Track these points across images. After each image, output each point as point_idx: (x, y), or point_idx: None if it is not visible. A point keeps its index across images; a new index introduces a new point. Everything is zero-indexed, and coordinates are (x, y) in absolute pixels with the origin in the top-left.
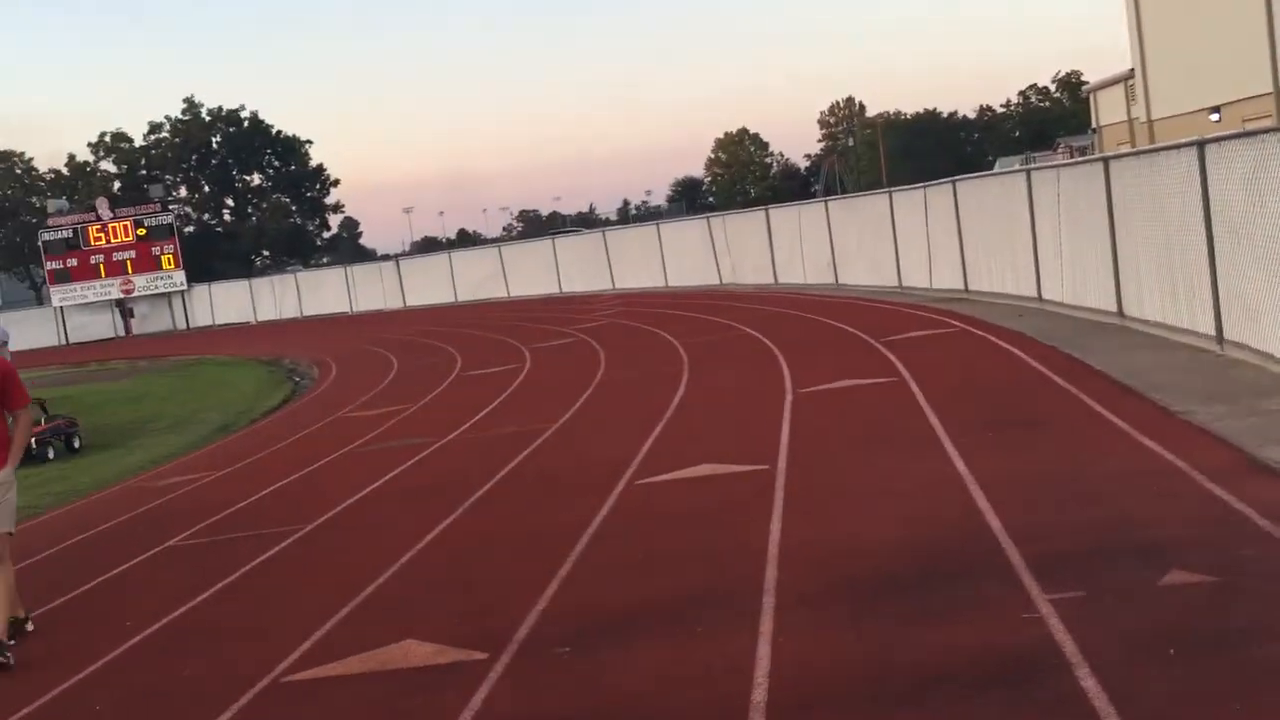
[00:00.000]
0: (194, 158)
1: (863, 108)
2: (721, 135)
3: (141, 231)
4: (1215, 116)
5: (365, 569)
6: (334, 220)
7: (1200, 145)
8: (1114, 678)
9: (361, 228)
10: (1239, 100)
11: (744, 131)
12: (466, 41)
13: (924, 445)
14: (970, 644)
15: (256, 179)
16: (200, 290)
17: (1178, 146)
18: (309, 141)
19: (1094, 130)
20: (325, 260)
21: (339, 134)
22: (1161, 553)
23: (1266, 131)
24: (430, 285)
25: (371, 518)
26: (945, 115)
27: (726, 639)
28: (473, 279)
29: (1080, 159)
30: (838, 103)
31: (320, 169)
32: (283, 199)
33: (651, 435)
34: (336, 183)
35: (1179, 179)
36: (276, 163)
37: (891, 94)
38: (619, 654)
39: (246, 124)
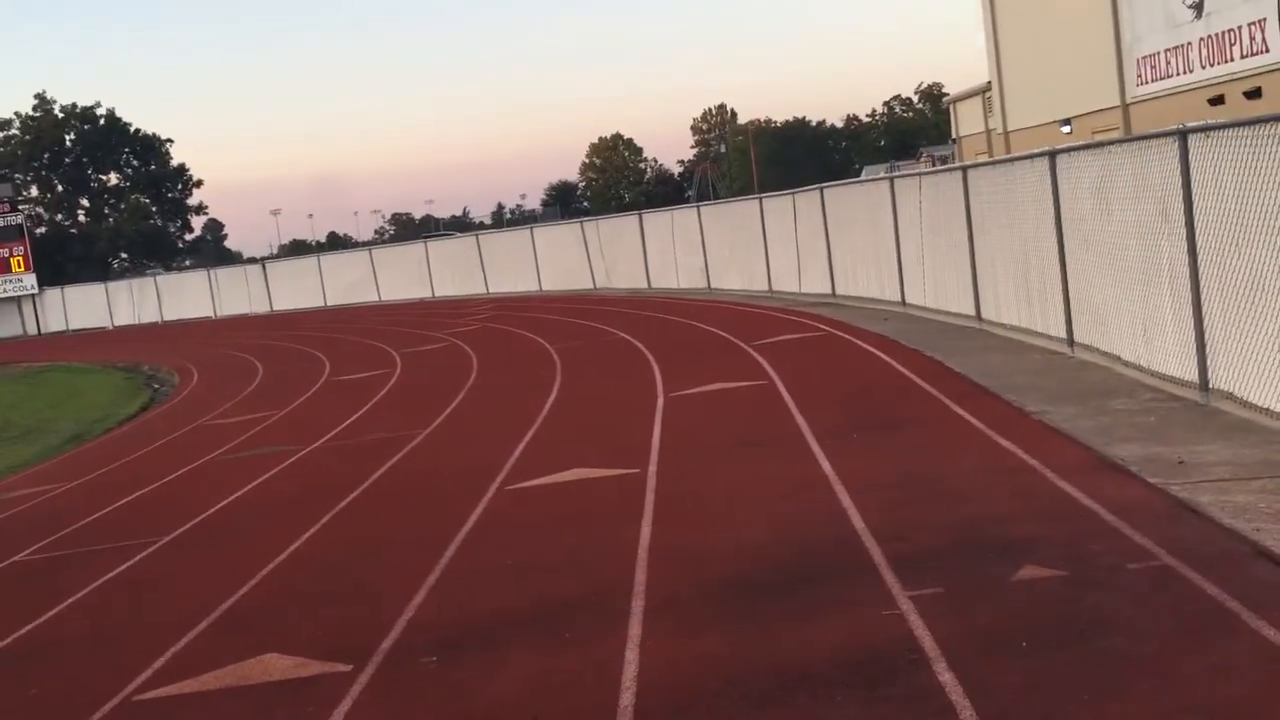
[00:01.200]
0: (46, 156)
1: (734, 115)
2: (596, 140)
3: None
4: (1066, 128)
5: (225, 581)
6: (197, 222)
7: (1052, 156)
8: (970, 671)
9: (226, 230)
10: (1089, 113)
11: (618, 137)
12: (336, 41)
13: (792, 447)
14: (833, 642)
15: (113, 178)
16: (52, 294)
17: (1031, 157)
18: (169, 140)
19: (954, 140)
20: (188, 263)
21: (202, 133)
22: (1015, 549)
23: (1113, 143)
24: (298, 289)
25: (232, 529)
26: (814, 124)
27: (595, 644)
28: (343, 283)
29: (940, 168)
30: (710, 110)
31: (182, 169)
32: (142, 199)
33: (523, 440)
34: (199, 183)
35: (1032, 188)
36: (135, 162)
37: (762, 102)
38: (487, 662)
39: (103, 121)
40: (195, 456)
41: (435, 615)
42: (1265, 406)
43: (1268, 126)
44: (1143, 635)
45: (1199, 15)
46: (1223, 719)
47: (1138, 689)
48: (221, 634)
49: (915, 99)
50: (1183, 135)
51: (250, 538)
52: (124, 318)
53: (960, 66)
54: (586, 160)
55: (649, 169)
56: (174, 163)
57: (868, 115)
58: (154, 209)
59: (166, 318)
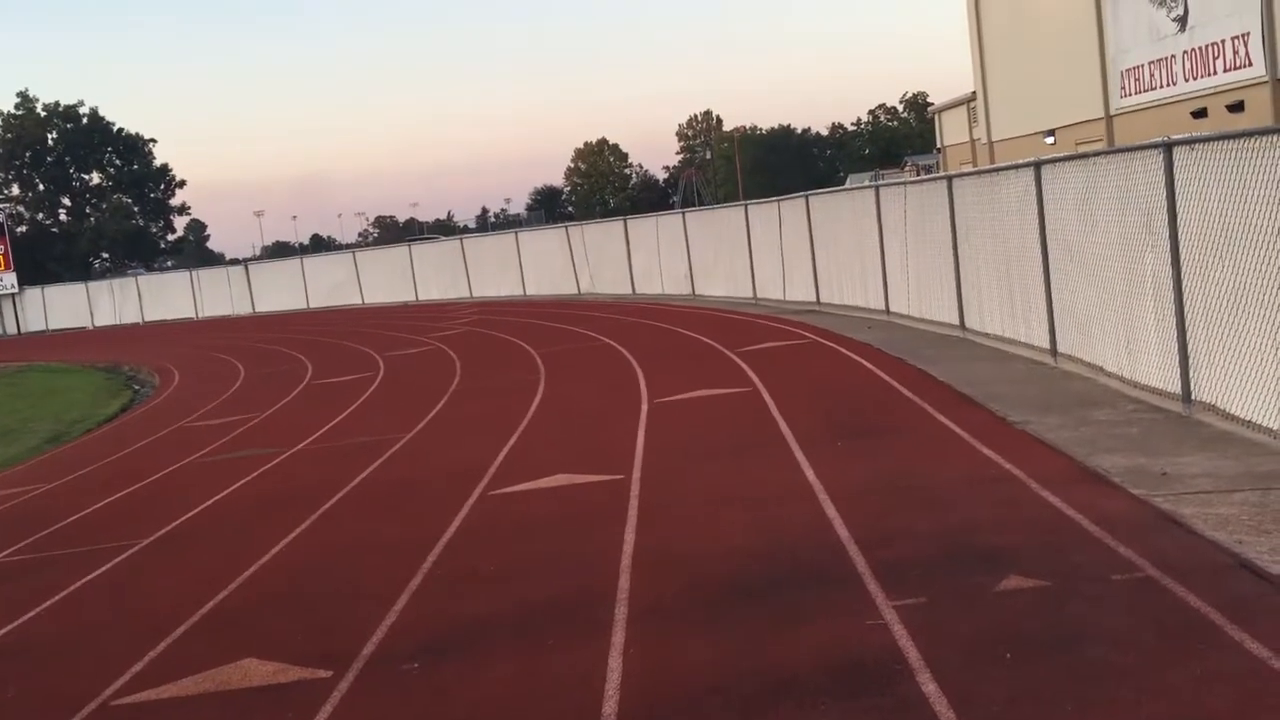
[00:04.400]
0: (28, 154)
1: (720, 121)
2: (581, 145)
3: None
4: (1050, 139)
5: (204, 585)
6: (179, 222)
7: (1037, 166)
8: (954, 681)
9: (209, 230)
10: (1073, 124)
11: (604, 142)
12: (322, 42)
13: (776, 454)
14: (817, 650)
15: (96, 178)
16: (33, 293)
17: (1016, 167)
18: (153, 140)
19: (939, 150)
20: (170, 264)
21: (186, 133)
22: (999, 559)
23: (1098, 154)
24: (281, 291)
25: (213, 532)
26: (799, 131)
27: (578, 650)
28: (326, 285)
29: (926, 177)
30: (696, 116)
31: (165, 169)
32: (124, 199)
33: (507, 445)
34: (182, 183)
35: (1017, 198)
36: (118, 161)
37: (748, 109)
38: (468, 668)
39: (85, 120)
40: (175, 459)
41: (417, 621)
42: (1247, 419)
43: (1251, 140)
44: (1126, 646)
45: (1183, 28)
46: None
47: (1120, 700)
48: (200, 638)
49: (900, 108)
50: (1167, 147)
51: (230, 541)
52: (105, 318)
53: (945, 76)
54: (572, 165)
55: (634, 175)
56: (157, 163)
57: (853, 123)
58: (136, 209)
59: (148, 318)
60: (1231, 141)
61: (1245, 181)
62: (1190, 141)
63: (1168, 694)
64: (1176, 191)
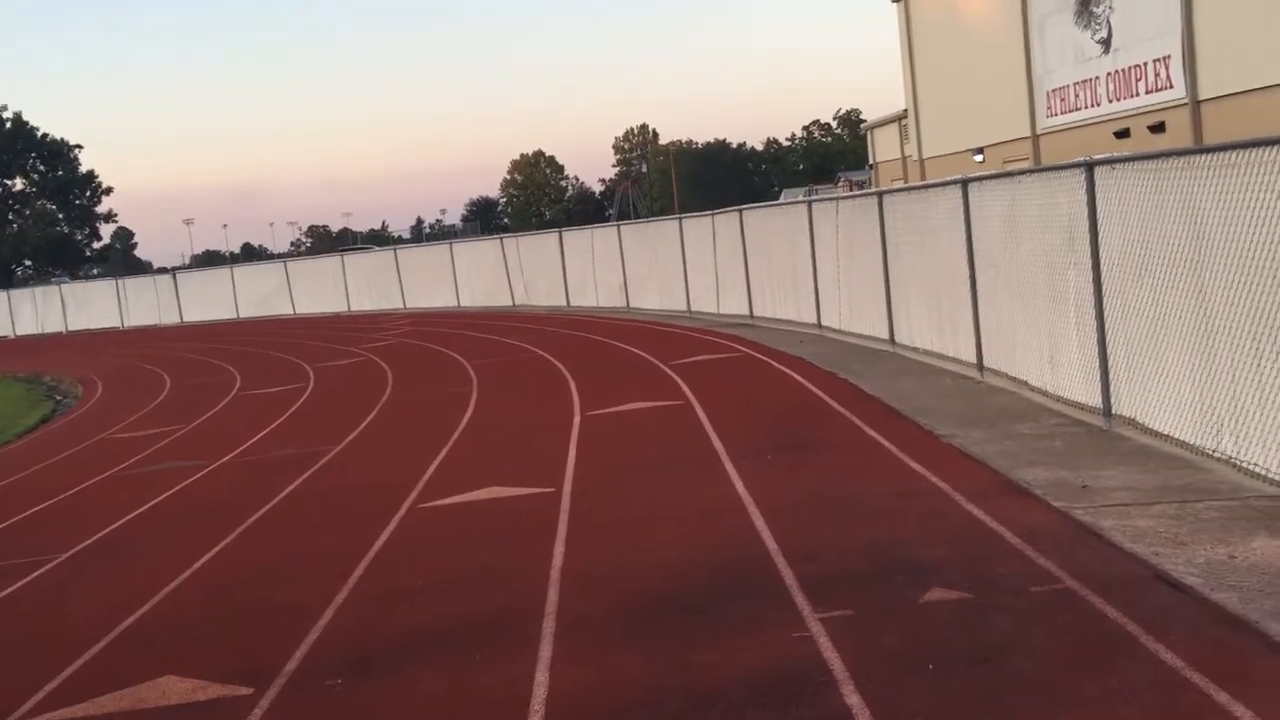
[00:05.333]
0: None
1: (656, 135)
2: (518, 157)
3: None
4: (979, 157)
5: (124, 601)
6: (106, 230)
7: (964, 183)
8: (877, 694)
9: (137, 239)
10: (1001, 143)
11: (540, 154)
12: (254, 50)
13: (706, 468)
14: (744, 664)
15: (19, 184)
16: None
17: (944, 184)
18: (79, 146)
19: (871, 166)
20: (96, 272)
21: (113, 139)
22: (924, 571)
23: (1023, 173)
24: (210, 300)
25: (134, 546)
26: (734, 146)
27: (505, 665)
28: (256, 295)
29: (858, 193)
30: (632, 129)
31: (91, 175)
32: (48, 206)
33: (437, 458)
34: (109, 190)
35: (945, 215)
36: (42, 167)
37: (684, 123)
38: (394, 684)
39: (9, 125)
40: (97, 471)
41: (342, 636)
42: (1165, 433)
43: (1169, 160)
44: (1044, 658)
45: (1106, 51)
46: None
47: (1039, 711)
48: (119, 655)
49: (834, 124)
50: (1089, 167)
51: (152, 555)
52: (26, 327)
53: (878, 94)
54: (508, 176)
55: (570, 187)
56: (83, 169)
57: (787, 139)
58: (61, 216)
59: (72, 328)
60: (1150, 162)
61: (1163, 201)
62: (1111, 161)
63: (1085, 705)
64: (1098, 210)
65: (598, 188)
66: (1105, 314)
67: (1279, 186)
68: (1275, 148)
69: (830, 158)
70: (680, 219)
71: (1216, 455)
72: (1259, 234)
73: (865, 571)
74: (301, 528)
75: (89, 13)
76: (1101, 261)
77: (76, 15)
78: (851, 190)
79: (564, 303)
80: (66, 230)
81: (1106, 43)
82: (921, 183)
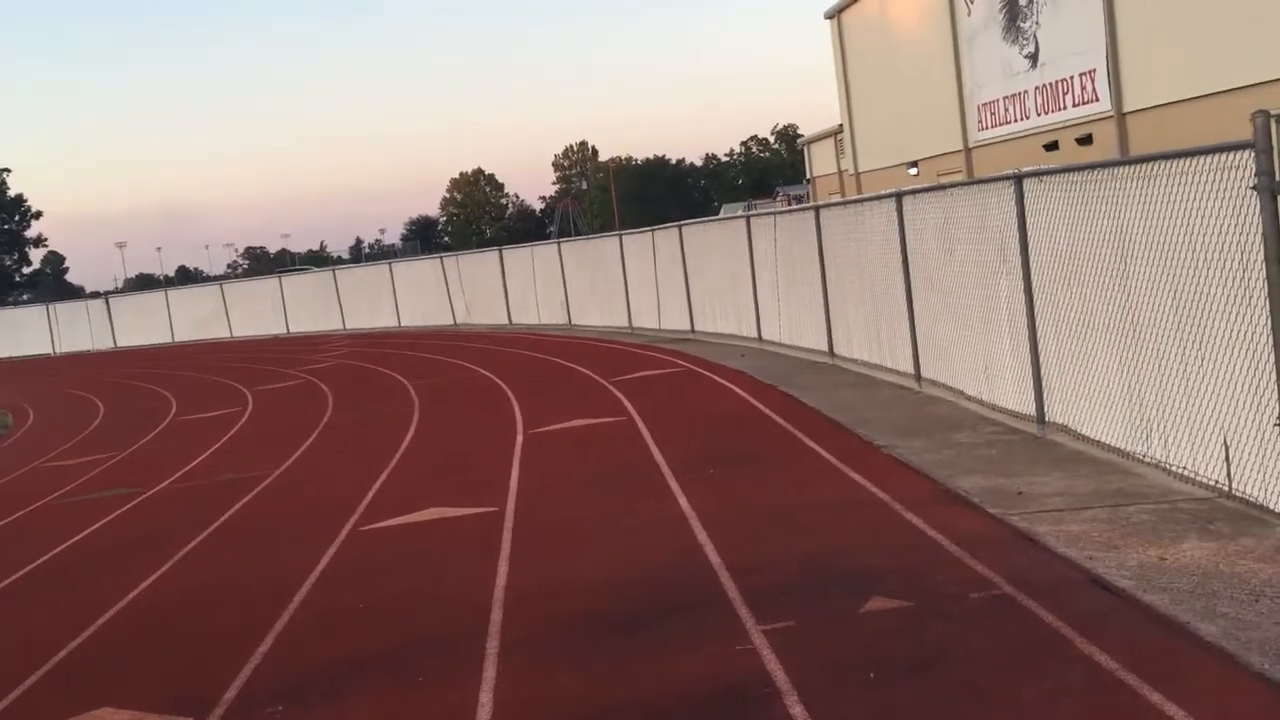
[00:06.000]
0: None
1: (595, 152)
2: (457, 175)
3: None
4: (913, 170)
5: (58, 632)
6: (35, 255)
7: (898, 197)
8: (820, 704)
9: (68, 263)
10: (934, 156)
11: (479, 172)
12: (186, 67)
13: (649, 483)
14: (687, 678)
15: None
16: None
17: (879, 198)
18: (6, 170)
19: (809, 180)
20: (26, 297)
21: (41, 162)
22: (864, 581)
23: (954, 185)
24: (145, 325)
25: (70, 575)
26: (674, 162)
27: (448, 687)
28: (192, 318)
29: (795, 208)
30: (571, 146)
31: (20, 199)
32: None
33: (379, 480)
34: (38, 215)
35: (880, 228)
36: None
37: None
38: (335, 710)
39: None
40: (31, 500)
41: (283, 662)
42: (1096, 439)
43: (1093, 173)
44: (982, 663)
45: (1034, 65)
46: None
47: (976, 716)
48: (54, 687)
49: (772, 139)
50: (1018, 179)
51: (88, 585)
52: None
53: (815, 109)
54: (447, 195)
55: (511, 204)
56: (11, 193)
57: (726, 154)
58: None
59: (1, 355)
60: (1076, 174)
61: (1089, 212)
62: (1039, 174)
63: (1021, 707)
64: (1028, 221)
65: (538, 205)
66: (1037, 323)
67: (1194, 195)
68: (1189, 159)
69: (768, 172)
70: (620, 235)
71: (1147, 459)
72: (1179, 241)
73: (807, 583)
74: (241, 553)
75: (12, 33)
76: (1032, 271)
77: (2, 35)
78: (790, 205)
79: (506, 321)
80: None
81: (1034, 57)
82: (857, 197)
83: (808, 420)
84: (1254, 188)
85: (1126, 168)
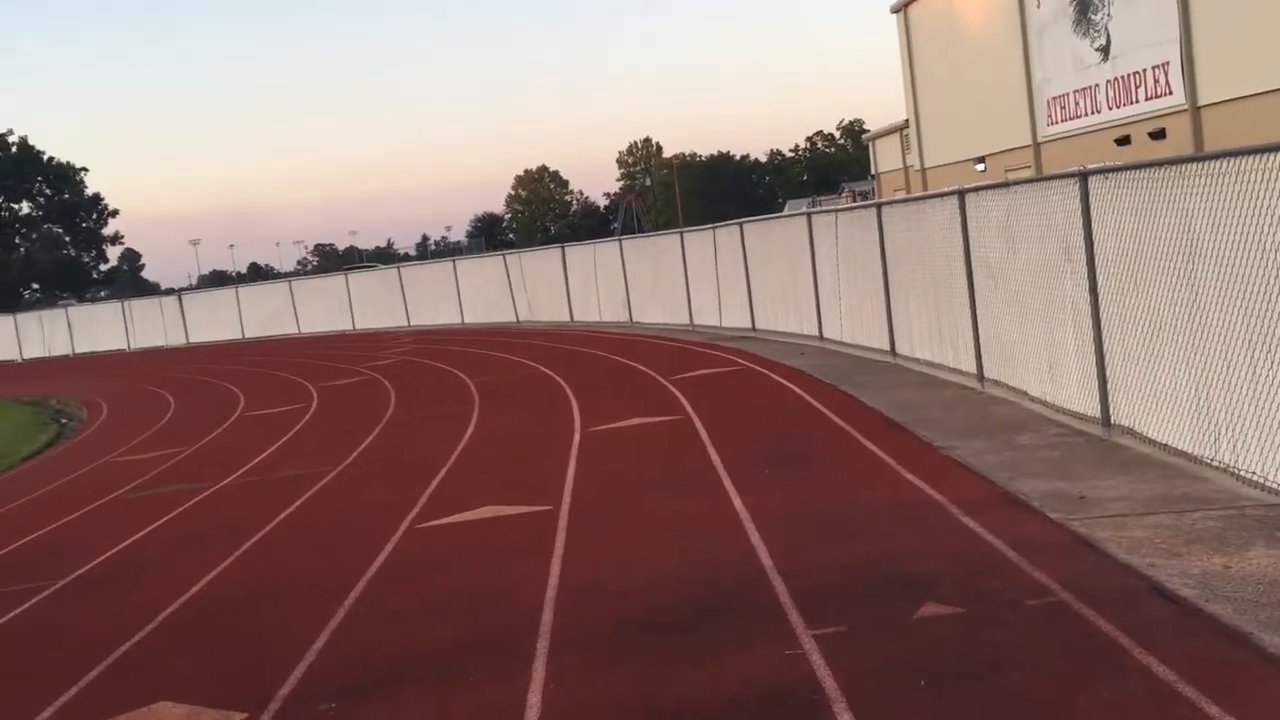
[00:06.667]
0: None
1: (660, 148)
2: (522, 172)
3: None
4: (980, 166)
5: (121, 626)
6: (113, 252)
7: (961, 194)
8: (868, 712)
9: (144, 260)
10: (1001, 151)
11: (544, 169)
12: (260, 70)
13: (704, 483)
14: (735, 682)
15: (25, 208)
16: None
17: (941, 195)
18: (84, 169)
19: (874, 176)
20: (104, 294)
21: (119, 162)
22: (918, 586)
23: (1018, 183)
24: (215, 321)
25: (133, 570)
26: (738, 158)
27: (498, 686)
28: (261, 315)
29: (856, 205)
30: (635, 143)
31: (97, 198)
32: (54, 229)
33: (437, 477)
34: (115, 213)
35: (943, 226)
36: (48, 191)
37: (687, 136)
38: (386, 707)
39: (15, 149)
40: (100, 494)
41: (337, 660)
42: (1162, 442)
43: (1162, 170)
44: (1037, 672)
45: (1105, 58)
46: None
47: None
48: (114, 682)
49: (837, 134)
50: (1083, 176)
51: (150, 580)
52: (33, 350)
53: (881, 104)
54: (512, 192)
55: (575, 201)
56: (89, 192)
57: (791, 150)
58: (67, 239)
59: (78, 350)
60: (1143, 171)
61: (1156, 210)
62: (1105, 171)
63: (1075, 718)
64: (1093, 219)
65: (602, 202)
66: (1102, 322)
67: (1266, 192)
68: (1258, 155)
69: (834, 168)
70: (681, 233)
71: (1214, 464)
72: (1249, 240)
73: (859, 587)
74: (300, 550)
75: (93, 35)
76: (1097, 270)
77: (80, 37)
78: (855, 200)
79: (568, 318)
80: (73, 253)
81: (1105, 50)
82: (919, 194)
83: (867, 420)
84: None
85: (1194, 165)
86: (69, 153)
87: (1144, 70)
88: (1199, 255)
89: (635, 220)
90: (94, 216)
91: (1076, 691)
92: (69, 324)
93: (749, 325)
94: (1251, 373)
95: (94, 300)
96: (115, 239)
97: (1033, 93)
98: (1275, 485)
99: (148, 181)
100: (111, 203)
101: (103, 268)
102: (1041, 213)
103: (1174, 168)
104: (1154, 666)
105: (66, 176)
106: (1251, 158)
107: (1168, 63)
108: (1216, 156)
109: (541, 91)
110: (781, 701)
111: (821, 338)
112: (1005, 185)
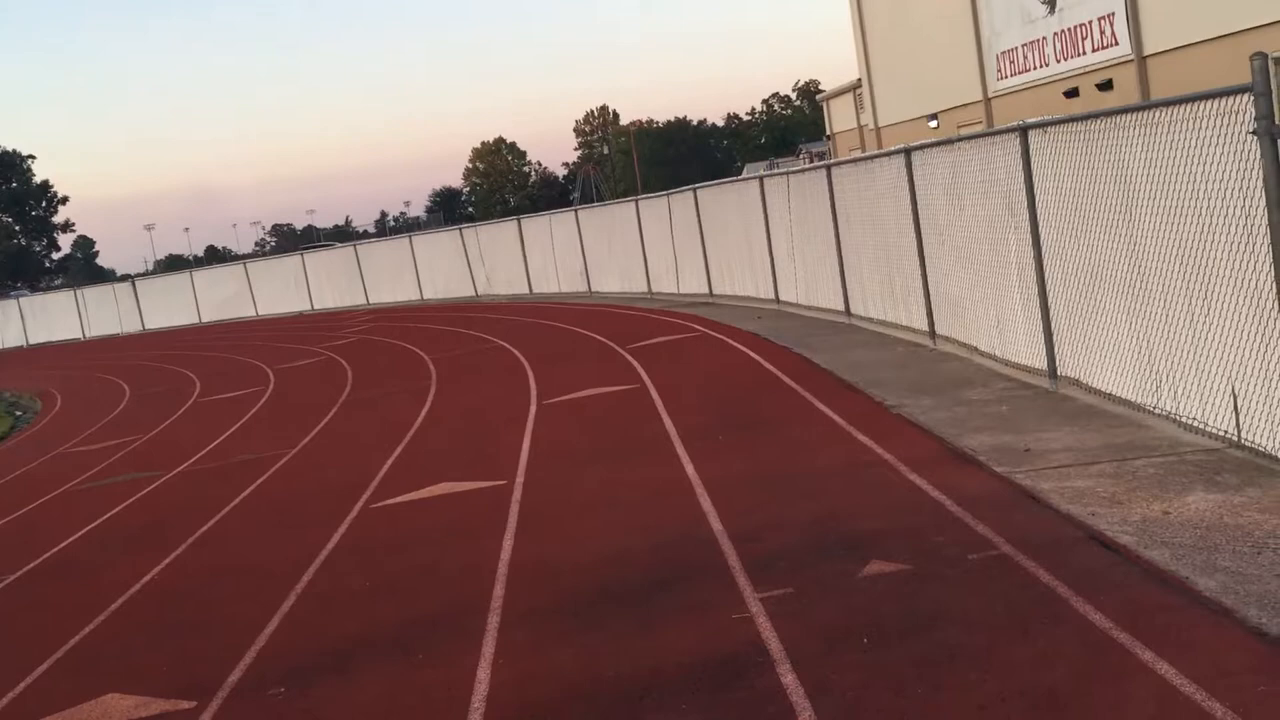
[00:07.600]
0: None
1: (616, 116)
2: (479, 145)
3: None
4: (933, 123)
5: (71, 618)
6: (65, 240)
7: (907, 152)
8: (812, 671)
9: (98, 247)
10: (954, 108)
11: (501, 141)
12: (209, 48)
13: (657, 452)
14: (683, 649)
15: None
16: None
17: (888, 154)
18: (31, 157)
19: (829, 137)
20: (58, 282)
21: (67, 148)
22: (864, 544)
23: (961, 139)
24: (171, 306)
25: (83, 562)
26: (695, 123)
27: (448, 664)
28: (218, 298)
29: (806, 166)
30: (592, 112)
31: (46, 185)
32: (3, 218)
33: (392, 456)
34: (65, 200)
35: (891, 185)
36: None
37: (644, 103)
38: (336, 689)
39: None
40: (53, 486)
41: (287, 644)
42: (1107, 391)
43: (1098, 121)
44: (976, 625)
45: (1052, 11)
46: (1043, 703)
47: (966, 679)
48: (63, 674)
49: (794, 96)
50: (1023, 131)
51: (103, 570)
52: None
53: (837, 64)
54: (470, 165)
55: (533, 172)
56: (37, 179)
57: (748, 113)
58: (17, 228)
59: (32, 341)
60: (1080, 124)
61: (1094, 163)
62: (1044, 125)
63: (1010, 670)
64: (1034, 174)
65: (561, 172)
66: (1046, 276)
67: (1196, 142)
68: (1190, 104)
69: (791, 130)
70: (637, 200)
71: (1157, 411)
72: (1184, 190)
73: (807, 548)
74: (253, 534)
75: (35, 18)
76: (1040, 224)
77: (21, 19)
78: (811, 162)
79: (526, 290)
80: (23, 242)
81: (1052, 3)
82: (866, 154)
83: (819, 382)
84: (1253, 132)
85: (1129, 115)
86: (14, 140)
87: (1090, 22)
88: (1135, 206)
89: (594, 189)
90: (43, 204)
91: (1013, 643)
92: (21, 314)
93: (706, 291)
94: (1189, 320)
95: (47, 289)
96: (66, 226)
97: (982, 48)
98: (1215, 430)
99: (99, 167)
100: (61, 189)
101: (55, 256)
102: (985, 169)
103: (1110, 119)
104: (1090, 615)
105: (13, 165)
106: (1181, 107)
107: (1113, 14)
108: (1149, 107)
109: (497, 63)
110: (727, 665)
111: (778, 300)
112: (950, 142)
